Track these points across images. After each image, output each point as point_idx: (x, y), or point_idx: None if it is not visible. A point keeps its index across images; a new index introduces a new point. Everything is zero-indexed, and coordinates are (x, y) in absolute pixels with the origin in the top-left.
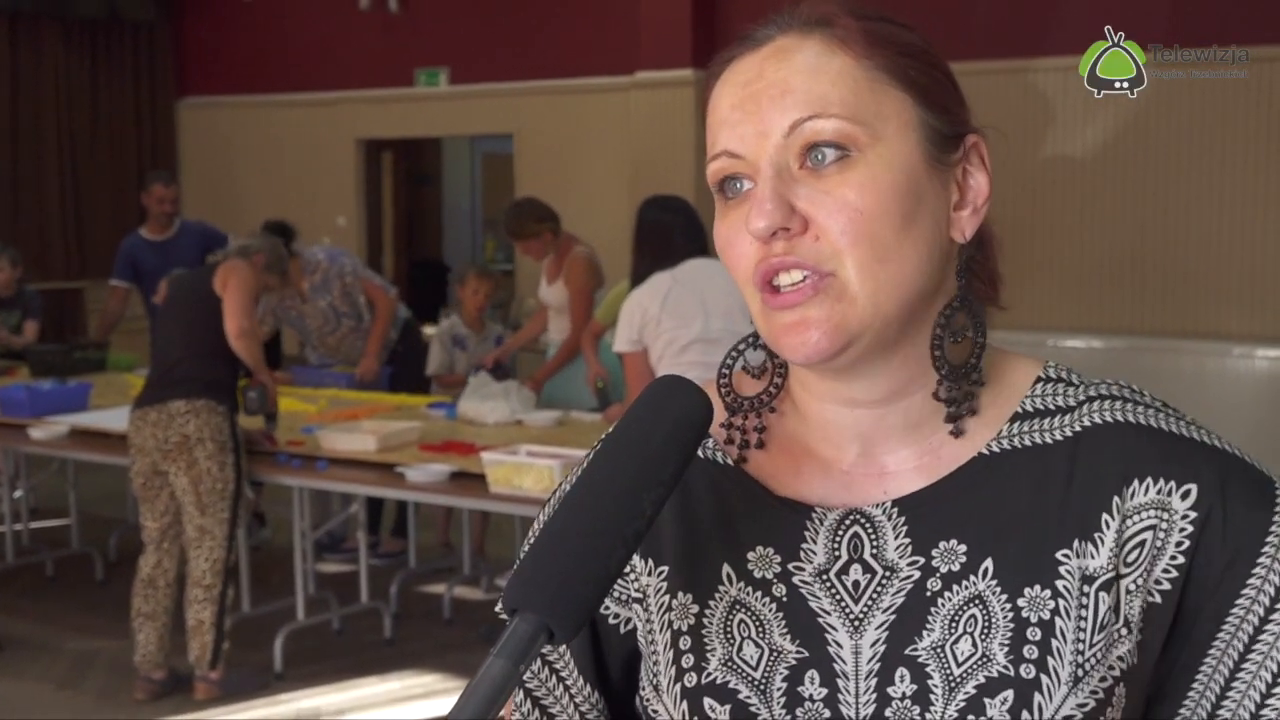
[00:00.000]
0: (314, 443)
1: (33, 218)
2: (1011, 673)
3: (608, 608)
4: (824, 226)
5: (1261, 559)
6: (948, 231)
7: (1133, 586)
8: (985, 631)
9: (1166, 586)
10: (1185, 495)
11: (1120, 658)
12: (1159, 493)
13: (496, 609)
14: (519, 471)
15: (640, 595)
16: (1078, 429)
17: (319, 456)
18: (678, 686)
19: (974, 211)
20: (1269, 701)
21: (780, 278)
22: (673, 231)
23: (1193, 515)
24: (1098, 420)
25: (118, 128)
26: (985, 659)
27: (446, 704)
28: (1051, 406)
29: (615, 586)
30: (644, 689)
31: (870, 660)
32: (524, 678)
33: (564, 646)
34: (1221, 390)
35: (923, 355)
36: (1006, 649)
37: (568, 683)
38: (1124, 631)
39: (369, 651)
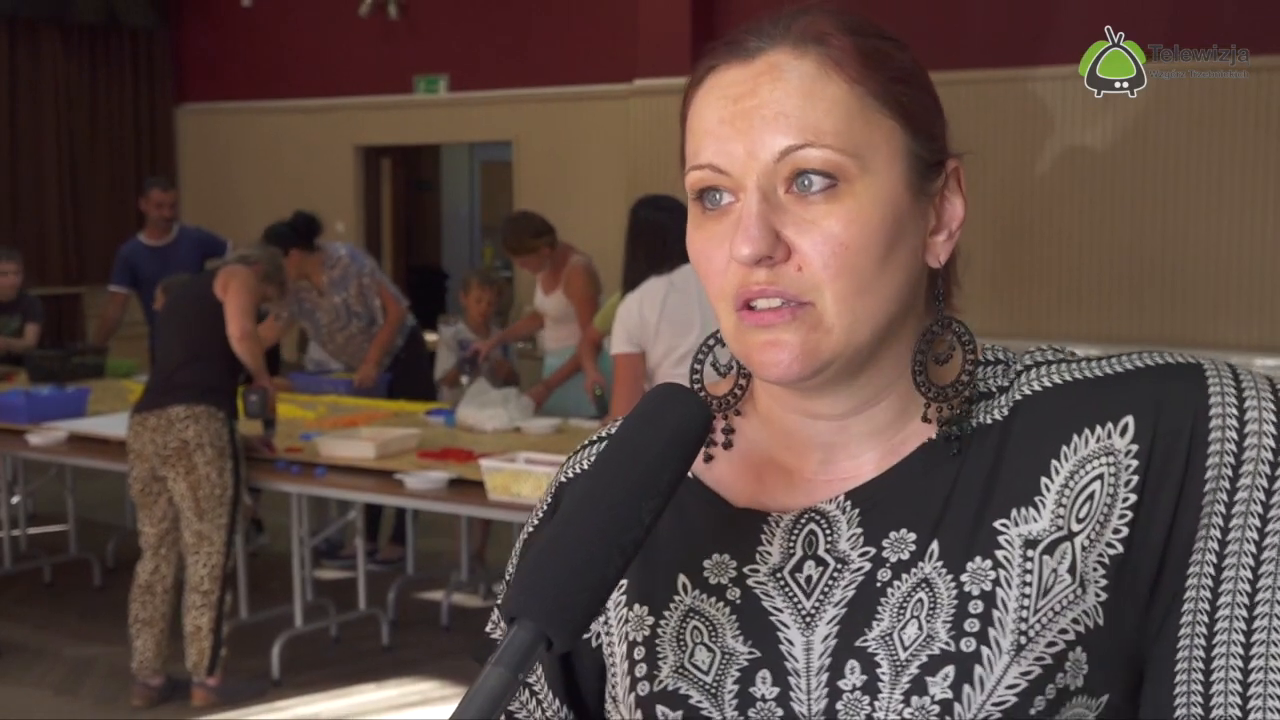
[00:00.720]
0: (312, 449)
1: (31, 223)
2: (952, 648)
3: None
4: (807, 257)
5: (1212, 447)
6: (923, 257)
7: (1086, 543)
8: (931, 613)
9: (1125, 532)
10: (1124, 431)
11: (1075, 620)
12: (1099, 440)
13: (488, 629)
14: (517, 479)
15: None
16: (1013, 403)
17: (317, 463)
18: (631, 696)
19: (949, 237)
20: (1258, 597)
21: (758, 301)
22: (667, 232)
23: (1135, 449)
24: (1027, 392)
25: (116, 133)
26: (929, 639)
27: (444, 711)
28: (993, 388)
29: None
30: (607, 701)
31: (821, 655)
32: None
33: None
34: None
35: (887, 370)
36: (949, 625)
37: (540, 697)
38: (1079, 592)
39: (367, 658)
